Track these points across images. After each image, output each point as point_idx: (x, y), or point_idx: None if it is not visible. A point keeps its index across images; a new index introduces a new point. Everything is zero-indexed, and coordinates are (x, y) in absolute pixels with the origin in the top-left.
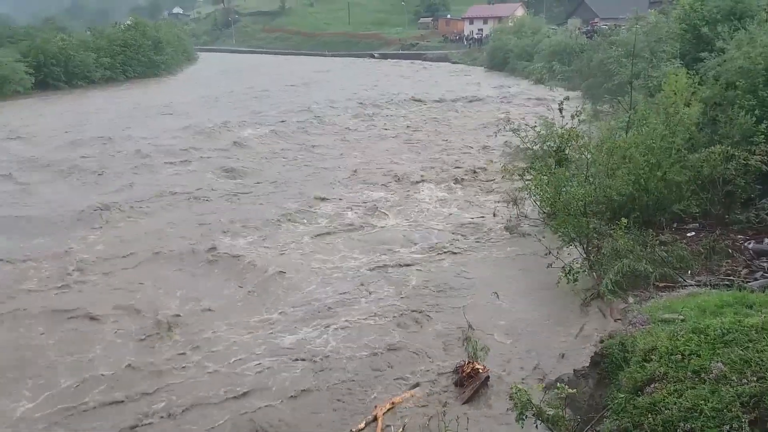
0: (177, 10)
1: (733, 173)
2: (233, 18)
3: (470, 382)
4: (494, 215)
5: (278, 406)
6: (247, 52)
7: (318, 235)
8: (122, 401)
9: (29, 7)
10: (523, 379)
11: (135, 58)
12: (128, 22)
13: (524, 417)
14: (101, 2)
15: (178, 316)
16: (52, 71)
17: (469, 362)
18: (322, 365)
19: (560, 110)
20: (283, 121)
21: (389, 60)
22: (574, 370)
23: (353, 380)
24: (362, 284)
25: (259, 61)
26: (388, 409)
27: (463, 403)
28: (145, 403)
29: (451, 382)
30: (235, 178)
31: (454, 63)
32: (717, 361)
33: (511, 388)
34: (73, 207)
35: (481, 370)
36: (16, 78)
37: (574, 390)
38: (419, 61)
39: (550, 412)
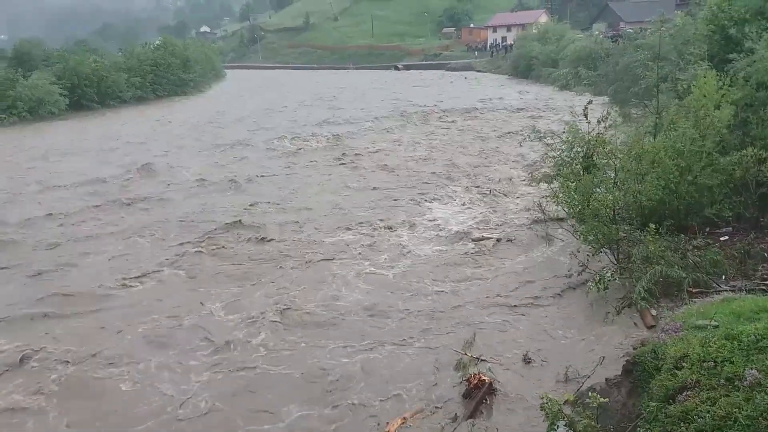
0: (204, 28)
1: (767, 175)
2: (259, 35)
3: (477, 393)
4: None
5: None
6: (272, 67)
7: None
8: None
9: (62, 31)
10: (560, 390)
11: (165, 77)
12: (157, 42)
13: (555, 427)
14: (131, 23)
15: None
16: (86, 92)
17: (476, 374)
18: None
19: (585, 115)
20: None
21: (415, 71)
22: (606, 379)
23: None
24: None
25: (289, 77)
26: (400, 425)
27: (470, 416)
28: None
29: (459, 394)
30: None
31: (478, 71)
32: (751, 368)
33: (542, 398)
34: None
35: (487, 381)
36: (51, 100)
37: (606, 399)
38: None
39: (582, 423)
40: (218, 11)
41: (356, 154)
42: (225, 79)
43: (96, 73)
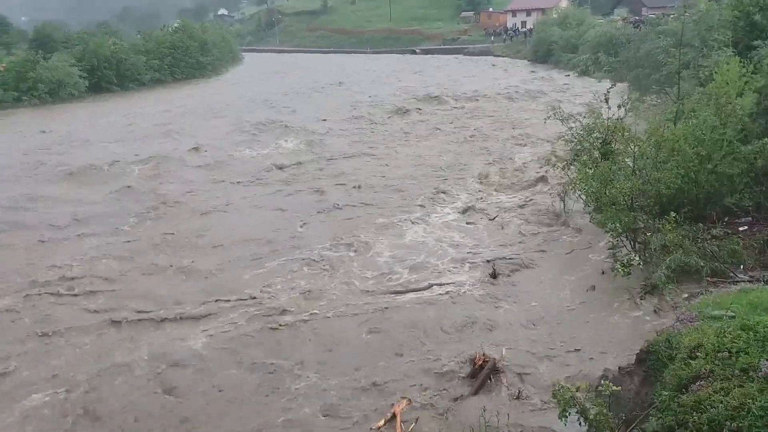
0: (222, 11)
1: None
2: (276, 18)
3: (482, 372)
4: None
5: None
6: (290, 51)
7: None
8: None
9: (82, 13)
10: (569, 377)
11: (183, 60)
12: (176, 25)
13: (567, 414)
14: (150, 6)
15: None
16: (105, 75)
17: (480, 354)
18: None
19: (606, 100)
20: None
21: (433, 55)
22: (619, 368)
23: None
24: None
25: (306, 61)
26: (406, 405)
27: (474, 394)
28: None
29: (465, 374)
30: None
31: (497, 56)
32: (766, 359)
33: (554, 385)
34: None
35: (491, 360)
36: (72, 82)
37: (619, 387)
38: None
39: (594, 410)
40: None
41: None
42: (242, 62)
43: (115, 55)
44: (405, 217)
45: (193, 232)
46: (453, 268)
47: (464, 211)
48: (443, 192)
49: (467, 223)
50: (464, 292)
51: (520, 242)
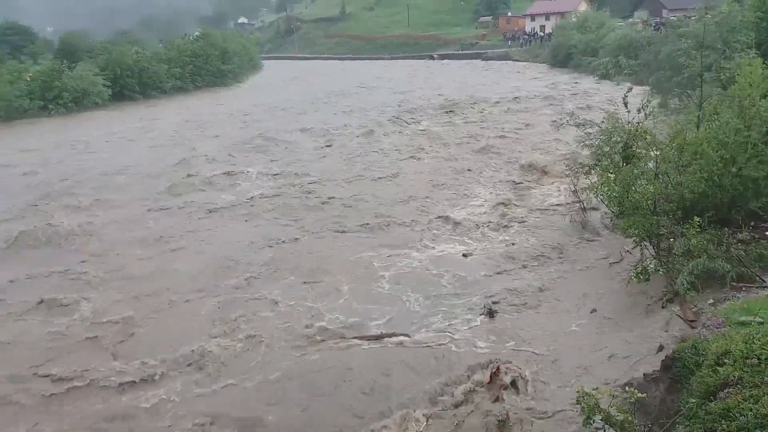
0: (242, 19)
1: None
2: (295, 25)
3: (498, 382)
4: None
5: None
6: (308, 58)
7: None
8: None
9: (106, 22)
10: (598, 386)
11: (204, 68)
12: (197, 33)
13: (591, 422)
14: (171, 15)
15: None
16: (128, 83)
17: (497, 363)
18: None
19: (625, 104)
20: None
21: (452, 60)
22: (644, 374)
23: None
24: None
25: (323, 68)
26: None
27: (493, 402)
28: None
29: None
30: None
31: (515, 61)
32: None
33: (577, 392)
34: None
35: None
36: (95, 91)
37: (644, 394)
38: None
39: (619, 417)
40: (255, 2)
41: None
42: (262, 69)
43: (137, 64)
44: (405, 244)
45: (134, 269)
46: (447, 308)
47: (468, 230)
48: (446, 210)
49: (463, 256)
50: (459, 336)
51: (528, 264)
